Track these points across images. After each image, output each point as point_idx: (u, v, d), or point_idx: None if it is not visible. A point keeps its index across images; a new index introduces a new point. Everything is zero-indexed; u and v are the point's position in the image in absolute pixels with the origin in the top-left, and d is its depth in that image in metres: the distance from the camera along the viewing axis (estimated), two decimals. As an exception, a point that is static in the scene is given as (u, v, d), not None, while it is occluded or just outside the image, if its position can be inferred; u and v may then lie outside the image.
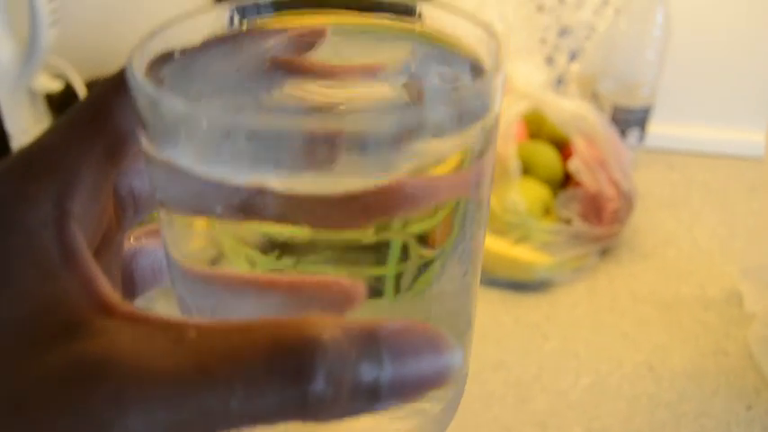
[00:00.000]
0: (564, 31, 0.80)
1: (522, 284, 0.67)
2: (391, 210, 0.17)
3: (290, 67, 0.21)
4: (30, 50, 0.83)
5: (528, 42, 0.79)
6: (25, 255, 0.16)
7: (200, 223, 0.19)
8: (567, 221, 0.69)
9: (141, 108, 0.17)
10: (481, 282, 0.67)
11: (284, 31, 0.21)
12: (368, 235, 0.17)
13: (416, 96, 0.21)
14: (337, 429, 0.19)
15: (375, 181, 0.16)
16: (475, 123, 0.18)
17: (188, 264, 0.19)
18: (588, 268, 0.68)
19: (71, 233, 0.17)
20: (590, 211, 0.69)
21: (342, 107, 0.20)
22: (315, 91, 0.20)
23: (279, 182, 0.16)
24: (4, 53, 0.83)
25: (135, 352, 0.15)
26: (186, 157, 0.17)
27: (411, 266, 0.19)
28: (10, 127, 0.69)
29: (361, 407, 0.15)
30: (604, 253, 0.71)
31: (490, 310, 0.64)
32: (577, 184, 0.70)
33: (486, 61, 0.20)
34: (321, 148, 0.16)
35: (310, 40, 0.21)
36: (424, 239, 0.18)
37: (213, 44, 0.21)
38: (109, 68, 0.20)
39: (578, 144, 0.71)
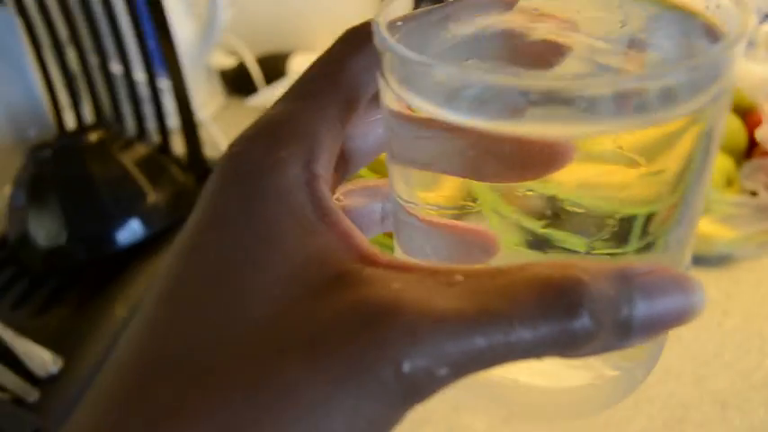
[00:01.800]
0: (751, -9, 0.75)
1: (701, 259, 0.63)
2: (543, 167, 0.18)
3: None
4: (208, 30, 0.88)
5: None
6: (286, 215, 0.18)
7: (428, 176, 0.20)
8: (753, 193, 0.64)
9: (392, 68, 0.19)
10: (656, 254, 0.64)
11: None
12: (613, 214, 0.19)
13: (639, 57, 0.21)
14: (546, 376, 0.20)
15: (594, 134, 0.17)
16: (704, 92, 0.17)
17: (419, 212, 0.21)
18: (775, 244, 0.64)
19: (323, 193, 0.18)
20: (778, 183, 0.64)
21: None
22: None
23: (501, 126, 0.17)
24: (186, 33, 0.89)
25: (415, 293, 0.16)
26: (429, 106, 0.18)
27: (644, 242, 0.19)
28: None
29: (614, 343, 0.16)
30: (794, 228, 0.66)
31: (664, 283, 0.61)
32: (764, 153, 0.65)
33: (723, 26, 0.20)
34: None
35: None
36: (654, 217, 0.19)
37: (428, 15, 0.22)
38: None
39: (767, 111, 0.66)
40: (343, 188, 0.24)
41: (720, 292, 0.60)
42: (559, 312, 0.15)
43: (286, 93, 0.21)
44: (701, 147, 0.18)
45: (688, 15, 0.21)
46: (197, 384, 0.15)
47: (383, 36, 0.18)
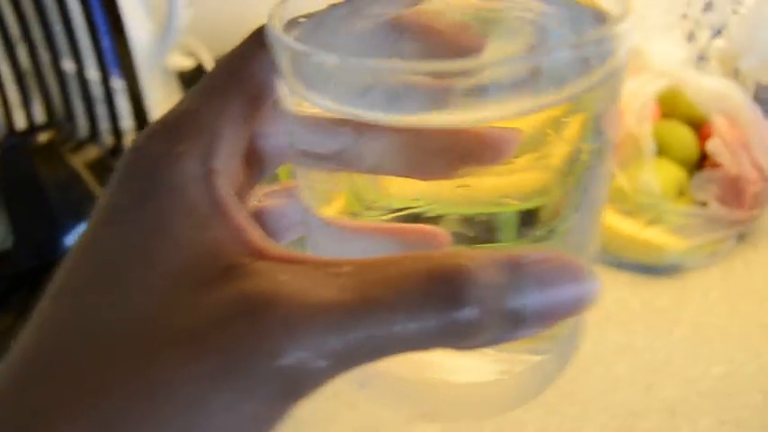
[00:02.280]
0: (708, 6, 0.76)
1: (651, 268, 0.64)
2: (478, 160, 0.18)
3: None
4: (166, 30, 0.87)
5: (668, 18, 0.75)
6: (180, 210, 0.18)
7: (323, 175, 0.20)
8: (703, 204, 0.66)
9: (286, 64, 0.18)
10: (609, 264, 0.65)
11: None
12: (482, 210, 0.18)
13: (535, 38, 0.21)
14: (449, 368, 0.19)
15: (491, 122, 0.17)
16: (596, 70, 0.17)
17: (322, 212, 0.21)
18: (724, 253, 0.65)
19: (218, 188, 0.18)
20: (729, 194, 0.65)
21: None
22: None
23: (404, 120, 0.17)
24: (143, 33, 0.87)
25: (298, 285, 0.16)
26: (324, 101, 0.18)
27: (526, 241, 0.19)
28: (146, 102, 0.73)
29: (505, 333, 0.15)
30: (741, 238, 0.67)
31: (617, 292, 0.62)
32: (715, 165, 0.67)
33: (612, 12, 0.20)
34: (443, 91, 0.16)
35: None
36: (539, 210, 0.19)
37: (334, 10, 0.21)
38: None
39: (719, 124, 0.67)
40: (266, 189, 0.24)
41: (670, 301, 0.61)
42: (441, 301, 0.15)
43: (192, 89, 0.21)
44: (589, 134, 0.18)
45: (583, 7, 0.21)
46: (72, 384, 0.15)
47: (270, 28, 0.18)
